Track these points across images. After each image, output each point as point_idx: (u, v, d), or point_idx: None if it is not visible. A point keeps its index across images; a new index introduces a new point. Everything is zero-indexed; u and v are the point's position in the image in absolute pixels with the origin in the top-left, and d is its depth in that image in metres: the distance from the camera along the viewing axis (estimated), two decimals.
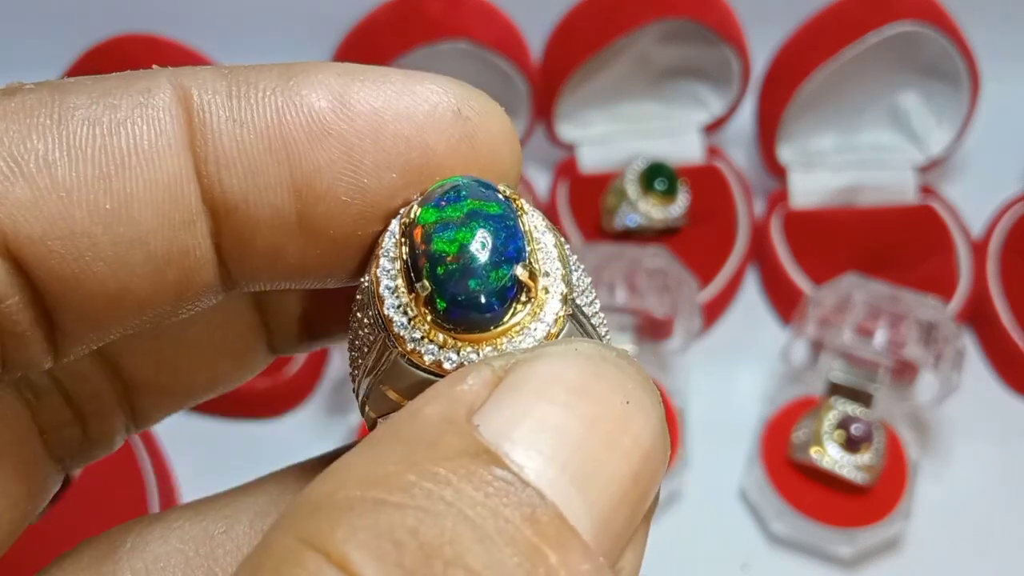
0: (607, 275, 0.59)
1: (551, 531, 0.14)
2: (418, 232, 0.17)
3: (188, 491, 0.59)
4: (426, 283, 0.16)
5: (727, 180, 0.71)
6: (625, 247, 0.61)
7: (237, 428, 0.62)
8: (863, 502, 0.55)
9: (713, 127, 0.72)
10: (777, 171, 0.70)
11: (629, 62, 0.70)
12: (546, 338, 0.17)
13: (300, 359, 0.62)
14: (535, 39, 0.67)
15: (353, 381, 0.19)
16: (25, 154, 0.16)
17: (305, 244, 0.18)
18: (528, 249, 0.17)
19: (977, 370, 0.64)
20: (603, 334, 0.18)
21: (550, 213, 0.69)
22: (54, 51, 0.63)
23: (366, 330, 0.18)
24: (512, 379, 0.15)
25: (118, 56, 0.62)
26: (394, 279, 0.17)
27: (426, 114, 0.18)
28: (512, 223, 0.17)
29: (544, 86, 0.68)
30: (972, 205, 0.69)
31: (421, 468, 0.14)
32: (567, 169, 0.72)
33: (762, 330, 0.67)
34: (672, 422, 0.57)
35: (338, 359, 0.63)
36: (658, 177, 0.66)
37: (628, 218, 0.66)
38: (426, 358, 0.17)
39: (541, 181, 0.73)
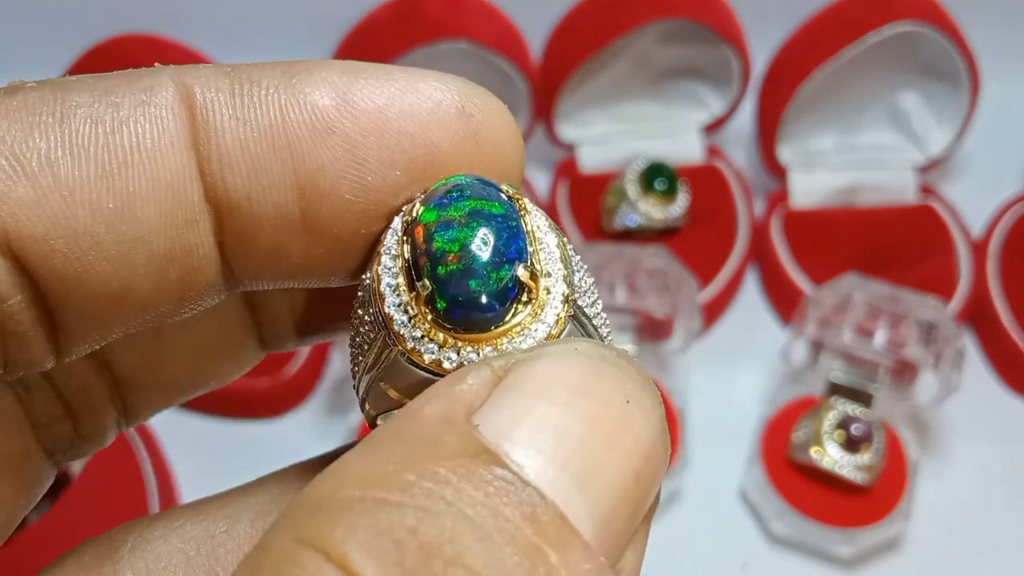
0: (607, 275, 0.59)
1: (551, 530, 0.14)
2: (420, 231, 0.17)
3: (188, 491, 0.59)
4: (427, 282, 0.16)
5: (727, 180, 0.71)
6: (625, 247, 0.61)
7: (237, 428, 0.62)
8: (863, 502, 0.55)
9: (713, 127, 0.72)
10: (777, 171, 0.70)
11: (629, 62, 0.70)
12: (547, 339, 0.17)
13: (300, 359, 0.62)
14: (535, 39, 0.67)
15: (354, 378, 0.19)
16: (27, 153, 0.16)
17: (308, 242, 0.18)
18: (530, 249, 0.17)
19: (977, 370, 0.64)
20: (605, 335, 0.18)
21: (550, 213, 0.69)
22: (54, 51, 0.63)
23: (367, 327, 0.18)
24: (512, 379, 0.15)
25: (118, 56, 0.62)
26: (395, 277, 0.17)
27: (430, 111, 0.18)
28: (514, 223, 0.17)
29: (544, 86, 0.68)
30: (972, 205, 0.69)
31: (421, 468, 0.14)
32: (567, 169, 0.72)
33: (762, 330, 0.67)
34: (672, 422, 0.57)
35: (338, 359, 0.63)
36: (658, 177, 0.66)
37: (628, 218, 0.66)
38: (426, 357, 0.17)
39: (541, 181, 0.73)
